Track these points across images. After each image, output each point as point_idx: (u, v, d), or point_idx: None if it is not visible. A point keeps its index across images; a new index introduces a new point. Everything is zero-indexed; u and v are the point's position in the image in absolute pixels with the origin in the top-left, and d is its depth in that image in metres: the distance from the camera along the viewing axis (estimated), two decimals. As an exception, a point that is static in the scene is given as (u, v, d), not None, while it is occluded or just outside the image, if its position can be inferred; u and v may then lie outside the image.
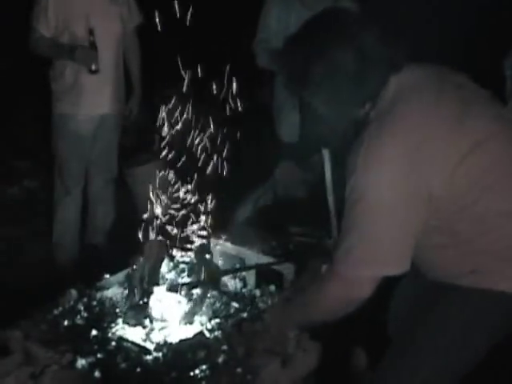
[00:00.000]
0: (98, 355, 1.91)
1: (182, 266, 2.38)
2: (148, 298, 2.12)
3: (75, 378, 1.84)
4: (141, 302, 2.13)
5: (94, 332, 2.02)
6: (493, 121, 1.63)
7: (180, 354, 1.92)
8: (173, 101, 2.37)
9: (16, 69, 5.22)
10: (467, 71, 1.73)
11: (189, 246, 2.40)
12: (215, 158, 2.42)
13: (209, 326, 2.08)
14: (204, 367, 1.87)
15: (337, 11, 1.71)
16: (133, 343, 1.98)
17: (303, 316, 1.84)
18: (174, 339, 2.00)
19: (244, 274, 2.36)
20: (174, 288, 2.15)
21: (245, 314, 2.15)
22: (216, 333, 2.04)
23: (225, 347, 1.95)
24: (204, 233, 2.45)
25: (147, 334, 2.02)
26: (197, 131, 2.40)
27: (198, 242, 2.43)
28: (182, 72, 2.25)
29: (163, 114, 2.33)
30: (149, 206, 2.36)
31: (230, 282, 2.33)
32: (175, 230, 2.38)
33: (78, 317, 2.10)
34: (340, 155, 1.89)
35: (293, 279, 2.27)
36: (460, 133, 1.56)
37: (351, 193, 1.57)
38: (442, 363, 1.68)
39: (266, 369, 1.89)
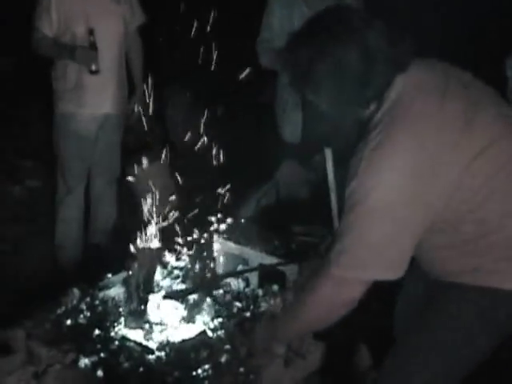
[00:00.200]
0: (101, 354, 1.92)
1: (176, 271, 2.36)
2: (145, 305, 2.10)
3: (78, 378, 1.84)
4: (139, 308, 2.11)
5: (96, 331, 2.02)
6: (500, 122, 1.61)
7: (183, 354, 1.93)
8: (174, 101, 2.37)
9: (19, 68, 5.23)
10: (468, 70, 1.71)
11: (188, 250, 2.38)
12: (216, 158, 2.42)
13: (211, 326, 2.08)
14: (206, 367, 1.87)
15: (340, 9, 1.67)
16: (135, 343, 1.98)
17: (292, 324, 1.79)
18: (176, 339, 2.00)
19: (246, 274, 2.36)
20: (171, 295, 2.13)
21: (247, 314, 2.15)
22: (219, 332, 2.04)
23: (227, 347, 1.95)
24: (206, 233, 2.45)
25: (150, 334, 2.02)
26: (198, 132, 2.41)
27: (199, 242, 2.43)
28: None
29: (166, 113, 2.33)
30: (146, 209, 2.33)
31: (233, 282, 2.33)
32: (175, 231, 2.38)
33: (81, 316, 2.10)
34: (343, 155, 1.88)
35: (295, 279, 2.27)
36: (467, 137, 1.53)
37: (351, 196, 1.56)
38: (445, 363, 1.68)
39: (269, 369, 1.89)
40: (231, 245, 2.46)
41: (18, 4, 4.10)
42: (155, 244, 2.26)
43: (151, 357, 1.92)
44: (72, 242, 3.46)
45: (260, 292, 2.30)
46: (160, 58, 4.38)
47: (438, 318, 1.70)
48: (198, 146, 2.49)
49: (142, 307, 2.09)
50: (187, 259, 2.36)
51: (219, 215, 2.49)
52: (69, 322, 2.06)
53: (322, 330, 1.82)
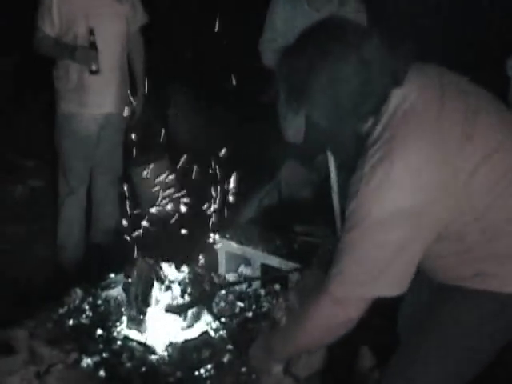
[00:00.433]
0: (103, 354, 1.92)
1: (173, 285, 2.30)
2: (144, 315, 2.06)
3: (80, 377, 1.84)
4: (138, 317, 2.07)
5: (99, 331, 2.02)
6: (500, 128, 1.59)
7: (185, 354, 1.92)
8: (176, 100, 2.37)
9: (20, 68, 5.23)
10: (469, 71, 1.70)
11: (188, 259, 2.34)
12: (218, 158, 2.42)
13: (214, 326, 2.08)
14: (209, 367, 1.87)
15: (335, 22, 1.63)
16: (138, 342, 1.98)
17: (290, 344, 1.75)
18: (178, 339, 2.00)
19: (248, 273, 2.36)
20: (171, 309, 2.07)
21: (250, 314, 2.15)
22: (221, 332, 2.04)
23: (230, 347, 1.94)
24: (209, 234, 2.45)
25: (152, 334, 2.02)
26: (200, 131, 2.40)
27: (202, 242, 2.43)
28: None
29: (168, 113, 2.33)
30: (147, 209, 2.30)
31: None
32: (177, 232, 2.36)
33: (83, 316, 2.10)
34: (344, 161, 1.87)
35: (297, 279, 2.27)
36: (467, 150, 1.51)
37: (351, 215, 1.54)
38: (448, 366, 1.67)
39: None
40: (233, 244, 2.46)
41: (18, 4, 4.11)
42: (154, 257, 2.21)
43: (153, 357, 1.92)
44: (74, 242, 3.45)
45: (262, 292, 2.30)
46: (161, 58, 4.38)
47: (441, 320, 1.69)
48: (199, 145, 2.48)
49: (141, 317, 2.05)
50: (186, 270, 2.29)
51: (220, 215, 2.49)
52: (71, 321, 2.07)
53: None
